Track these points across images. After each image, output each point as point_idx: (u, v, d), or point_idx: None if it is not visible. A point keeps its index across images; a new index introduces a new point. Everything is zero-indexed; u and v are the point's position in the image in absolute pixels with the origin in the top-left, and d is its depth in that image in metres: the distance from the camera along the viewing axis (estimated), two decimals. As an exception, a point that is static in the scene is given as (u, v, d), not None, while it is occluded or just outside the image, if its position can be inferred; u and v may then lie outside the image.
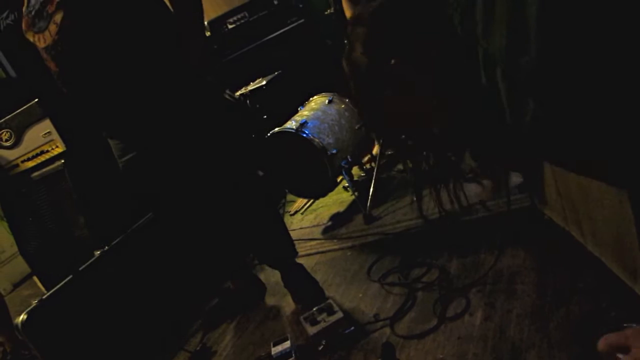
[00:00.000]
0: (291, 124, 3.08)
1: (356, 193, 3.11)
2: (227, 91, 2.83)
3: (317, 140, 2.96)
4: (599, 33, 0.81)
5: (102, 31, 1.99)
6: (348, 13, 3.78)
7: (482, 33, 0.91)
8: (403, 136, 1.22)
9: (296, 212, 3.64)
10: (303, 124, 3.03)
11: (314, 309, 2.25)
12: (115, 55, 2.02)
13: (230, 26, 4.53)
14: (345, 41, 1.10)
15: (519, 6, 0.86)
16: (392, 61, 0.97)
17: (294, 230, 3.33)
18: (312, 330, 2.16)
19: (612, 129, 0.87)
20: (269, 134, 3.15)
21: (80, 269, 2.40)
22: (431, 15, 0.97)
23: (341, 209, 3.38)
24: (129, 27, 2.04)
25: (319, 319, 2.20)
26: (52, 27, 1.97)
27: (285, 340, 2.21)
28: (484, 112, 0.96)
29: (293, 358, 2.11)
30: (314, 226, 3.32)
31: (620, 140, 0.88)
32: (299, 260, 2.67)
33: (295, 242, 2.66)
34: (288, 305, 2.60)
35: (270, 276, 2.84)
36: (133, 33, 2.04)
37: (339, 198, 3.51)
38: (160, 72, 2.11)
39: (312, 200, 3.66)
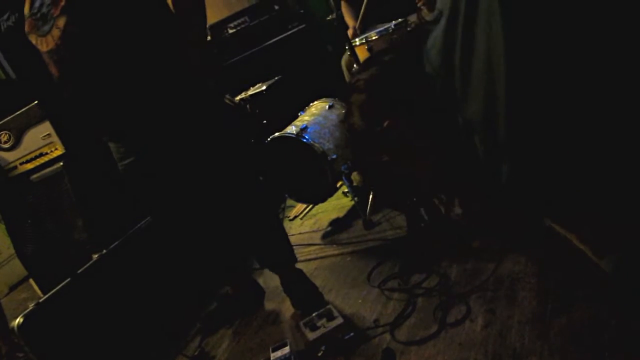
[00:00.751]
0: (291, 129, 3.08)
1: (356, 198, 3.10)
2: (228, 96, 2.83)
3: (317, 145, 2.95)
4: (560, 107, 0.89)
5: (106, 38, 1.99)
6: (348, 20, 3.79)
7: (461, 100, 0.97)
8: (399, 196, 1.31)
9: (295, 217, 3.63)
10: (303, 129, 3.03)
11: (314, 314, 2.24)
12: (118, 62, 2.02)
13: (231, 31, 4.54)
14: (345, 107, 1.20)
15: (490, 82, 0.92)
16: (386, 123, 1.04)
17: (293, 235, 3.32)
18: (311, 335, 2.15)
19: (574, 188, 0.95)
20: (269, 139, 3.14)
21: (78, 272, 2.38)
22: (419, 81, 1.04)
23: (341, 214, 3.37)
24: (133, 34, 2.04)
25: (318, 324, 2.19)
26: (55, 32, 1.97)
27: (284, 345, 2.19)
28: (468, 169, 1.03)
29: (292, 364, 2.09)
30: (313, 231, 3.31)
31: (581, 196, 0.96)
32: (299, 266, 2.66)
33: (294, 247, 2.64)
34: (287, 310, 2.59)
35: (270, 280, 2.82)
36: (136, 40, 2.04)
37: (339, 203, 3.50)
38: (162, 78, 2.11)
39: (311, 206, 3.65)
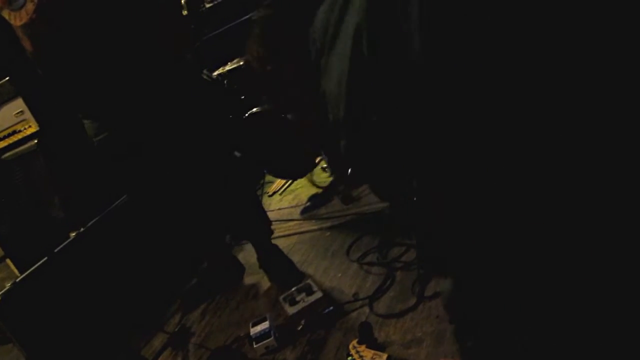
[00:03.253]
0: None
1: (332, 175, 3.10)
2: (205, 71, 2.79)
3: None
4: None
5: (81, 11, 1.95)
6: None
7: (323, 72, 0.97)
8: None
9: (274, 193, 3.63)
10: (281, 104, 3.00)
11: (293, 289, 2.25)
12: (94, 35, 1.98)
13: (207, 5, 4.45)
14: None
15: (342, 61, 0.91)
16: (269, 67, 1.05)
17: (272, 211, 3.32)
18: (291, 310, 2.16)
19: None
20: (247, 114, 3.11)
21: (55, 250, 2.36)
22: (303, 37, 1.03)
23: (320, 189, 3.37)
24: (110, 8, 2.00)
25: (298, 298, 2.20)
26: (30, 6, 1.92)
27: (264, 320, 2.21)
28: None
29: (272, 338, 2.11)
30: (292, 207, 3.31)
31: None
32: (278, 241, 2.67)
33: (274, 222, 2.65)
34: (267, 285, 2.60)
35: (249, 257, 2.82)
36: (114, 14, 2.00)
37: (317, 179, 3.49)
38: (138, 52, 2.07)
39: (290, 181, 3.65)
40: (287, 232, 2.99)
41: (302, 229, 2.97)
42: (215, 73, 3.86)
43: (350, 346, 1.84)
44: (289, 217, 3.16)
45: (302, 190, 3.49)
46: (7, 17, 2.00)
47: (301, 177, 3.33)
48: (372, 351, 1.78)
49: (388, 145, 0.92)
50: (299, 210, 3.22)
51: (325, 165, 3.37)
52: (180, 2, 2.24)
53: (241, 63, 3.82)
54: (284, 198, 3.52)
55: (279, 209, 3.35)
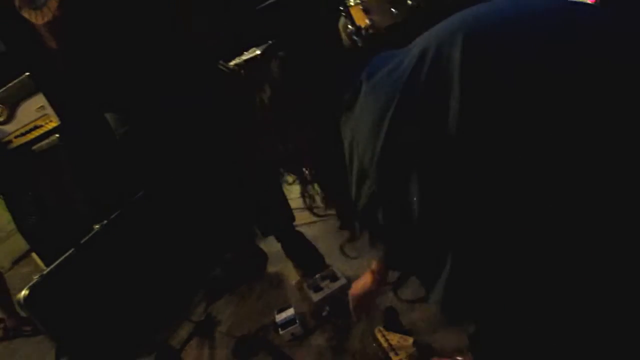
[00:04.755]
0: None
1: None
2: (222, 62, 2.79)
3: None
4: None
5: (104, 7, 1.96)
6: None
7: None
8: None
9: (294, 181, 3.62)
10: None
11: (317, 276, 2.26)
12: (117, 30, 2.00)
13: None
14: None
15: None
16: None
17: (292, 199, 3.31)
18: (315, 296, 2.17)
19: None
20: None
21: (81, 242, 2.38)
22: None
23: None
24: (132, 2, 2.01)
25: (322, 285, 2.21)
26: (52, 3, 1.93)
27: (288, 307, 2.22)
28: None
29: (297, 325, 2.12)
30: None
31: None
32: (299, 229, 2.67)
33: (294, 210, 2.65)
34: (290, 273, 2.61)
35: (272, 246, 2.83)
36: (136, 8, 2.02)
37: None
38: (161, 45, 2.09)
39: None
40: (307, 221, 2.99)
41: (323, 217, 2.96)
42: (232, 63, 3.87)
43: (376, 331, 1.85)
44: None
45: (322, 178, 3.48)
46: (27, 16, 2.01)
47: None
48: (399, 335, 1.78)
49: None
50: (320, 198, 3.21)
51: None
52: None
53: (257, 52, 3.82)
54: (304, 186, 3.51)
55: (299, 197, 3.34)
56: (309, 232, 2.79)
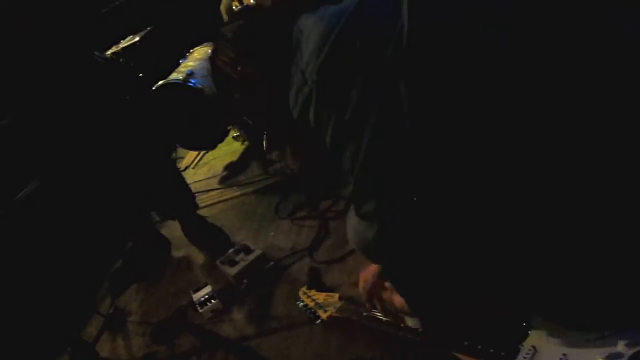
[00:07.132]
0: (177, 76, 2.97)
1: (247, 142, 3.09)
2: (96, 52, 2.66)
3: (207, 88, 2.88)
4: None
5: None
6: None
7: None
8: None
9: (187, 167, 3.56)
10: (190, 74, 2.94)
11: (230, 251, 2.24)
12: None
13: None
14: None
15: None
16: (239, 68, 1.12)
17: (188, 184, 3.26)
18: (232, 270, 2.15)
19: None
20: (153, 88, 3.01)
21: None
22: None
23: (234, 158, 3.35)
24: None
25: (237, 259, 2.20)
26: None
27: (204, 286, 2.19)
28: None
29: (217, 300, 2.10)
30: (209, 178, 3.28)
31: None
32: (202, 212, 2.64)
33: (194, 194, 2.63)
34: (197, 255, 2.58)
35: (174, 230, 2.77)
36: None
37: (230, 149, 3.47)
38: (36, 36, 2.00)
39: (202, 153, 3.60)
40: (209, 202, 2.96)
41: (224, 197, 2.95)
42: (109, 52, 3.69)
43: (300, 292, 1.88)
44: (208, 188, 3.13)
45: (215, 161, 3.46)
46: None
47: (213, 148, 3.31)
48: (324, 293, 1.83)
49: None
50: (216, 180, 3.20)
51: (236, 134, 3.36)
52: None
53: (136, 39, 3.68)
54: (198, 171, 3.47)
55: (195, 181, 3.29)
56: (210, 212, 2.77)
